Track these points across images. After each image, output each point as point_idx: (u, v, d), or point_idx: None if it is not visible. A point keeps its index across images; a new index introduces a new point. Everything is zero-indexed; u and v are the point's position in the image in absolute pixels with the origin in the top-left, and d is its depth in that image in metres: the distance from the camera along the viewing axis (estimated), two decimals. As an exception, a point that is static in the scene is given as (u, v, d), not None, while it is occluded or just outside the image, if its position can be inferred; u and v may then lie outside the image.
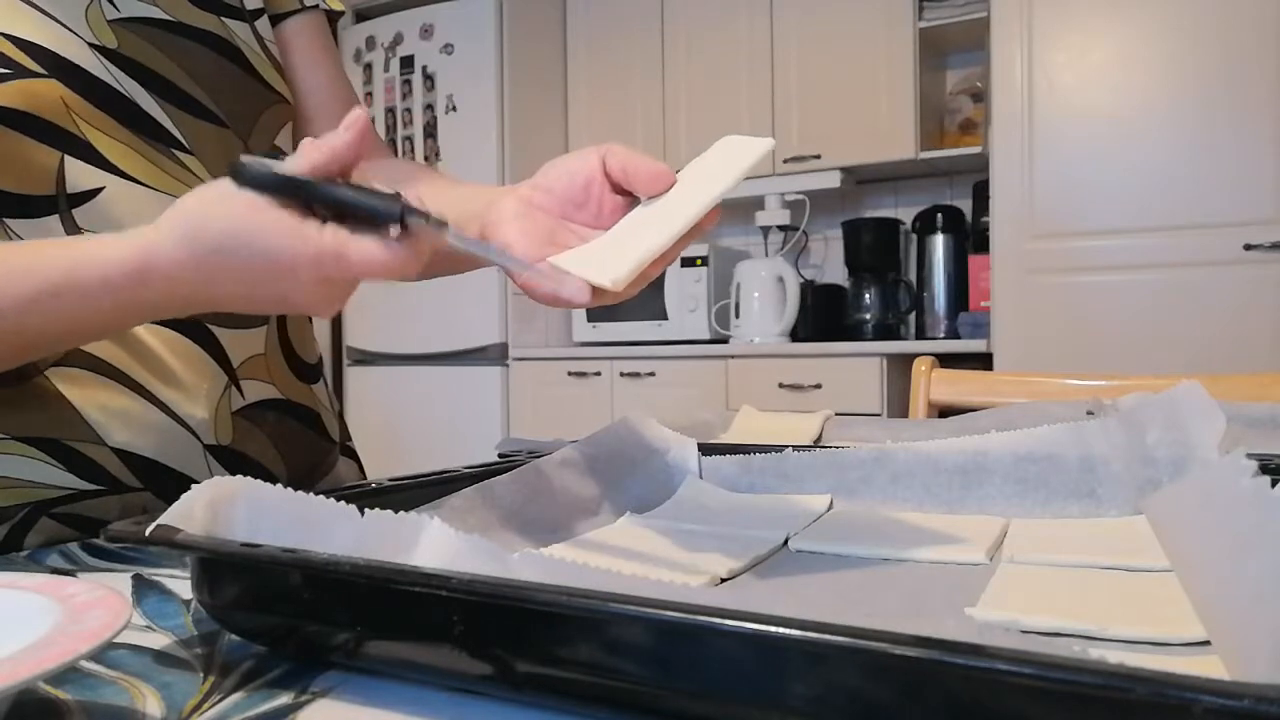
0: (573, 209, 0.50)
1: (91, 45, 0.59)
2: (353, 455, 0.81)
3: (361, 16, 3.14)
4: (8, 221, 0.56)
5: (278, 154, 0.72)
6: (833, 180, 2.68)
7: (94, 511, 0.59)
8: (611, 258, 0.45)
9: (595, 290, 0.44)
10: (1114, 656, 0.20)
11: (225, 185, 0.44)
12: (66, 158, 0.57)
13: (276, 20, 0.75)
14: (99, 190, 0.58)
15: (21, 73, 0.56)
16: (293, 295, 0.45)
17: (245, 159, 0.45)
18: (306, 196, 0.44)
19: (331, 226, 0.43)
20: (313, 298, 0.45)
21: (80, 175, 0.58)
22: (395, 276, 0.44)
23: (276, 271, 0.44)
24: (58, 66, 0.57)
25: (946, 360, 1.27)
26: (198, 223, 0.45)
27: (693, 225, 0.45)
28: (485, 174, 2.83)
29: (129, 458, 0.59)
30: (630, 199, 0.50)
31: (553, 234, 0.49)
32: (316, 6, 0.77)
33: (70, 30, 0.58)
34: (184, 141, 0.62)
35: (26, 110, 0.56)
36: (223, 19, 0.67)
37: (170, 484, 0.61)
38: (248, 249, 0.44)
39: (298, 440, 0.71)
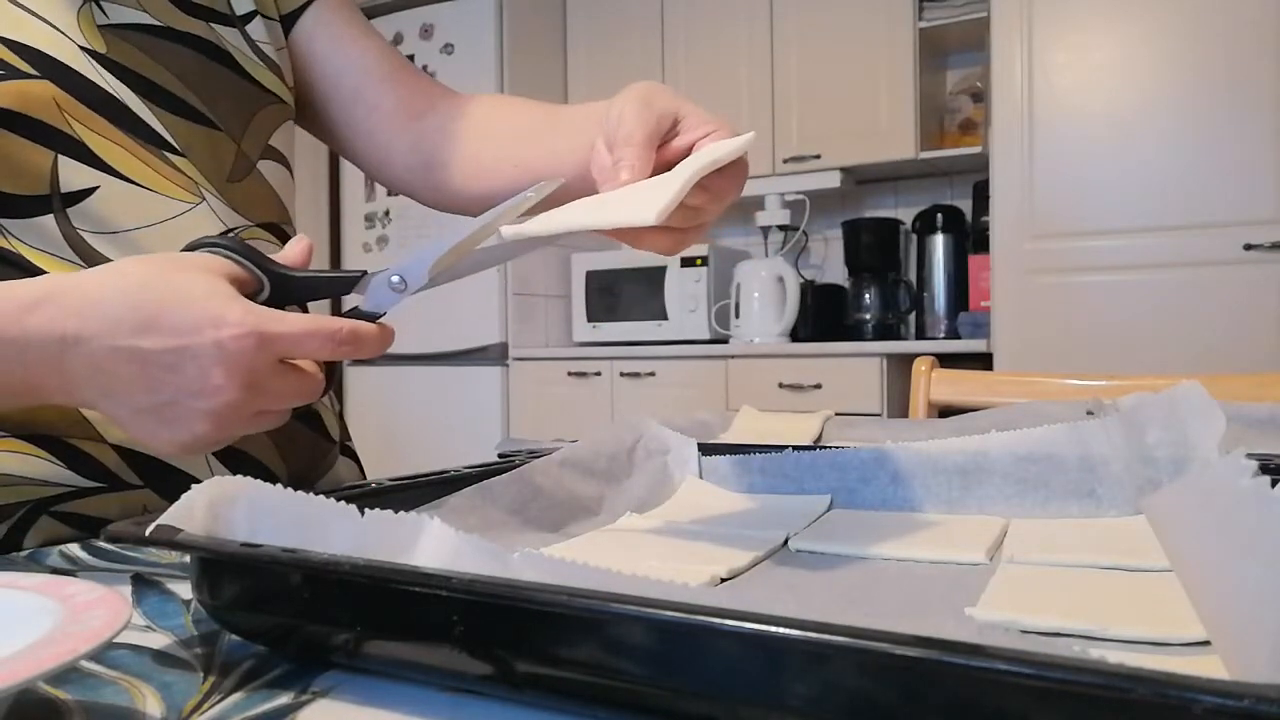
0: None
1: (82, 49, 0.59)
2: (352, 455, 0.81)
3: (361, 16, 3.14)
4: (3, 221, 0.56)
5: (278, 156, 0.72)
6: (833, 180, 2.68)
7: (94, 509, 0.59)
8: (648, 197, 0.45)
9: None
10: (1114, 656, 0.20)
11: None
12: (60, 157, 0.57)
13: (294, 18, 0.74)
14: (93, 189, 0.58)
15: (14, 74, 0.56)
16: (188, 377, 0.41)
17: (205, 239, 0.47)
18: (259, 267, 0.46)
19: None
20: (209, 397, 0.41)
21: (74, 175, 0.58)
22: (324, 355, 0.44)
23: (189, 322, 0.41)
24: (50, 68, 0.57)
25: (946, 360, 1.27)
26: (125, 264, 0.44)
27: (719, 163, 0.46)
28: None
29: (129, 455, 0.59)
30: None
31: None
32: None
33: (62, 33, 0.58)
34: (174, 144, 0.63)
35: (19, 111, 0.56)
36: (211, 24, 0.67)
37: (170, 482, 0.61)
38: (168, 291, 0.41)
39: (298, 439, 0.71)
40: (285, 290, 0.46)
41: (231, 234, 0.65)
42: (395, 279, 0.46)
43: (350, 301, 0.45)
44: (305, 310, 0.50)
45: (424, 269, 0.46)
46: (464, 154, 0.74)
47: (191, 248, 0.47)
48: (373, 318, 0.46)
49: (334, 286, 0.47)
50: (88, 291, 0.42)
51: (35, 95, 0.56)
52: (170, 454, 0.46)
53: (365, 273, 0.47)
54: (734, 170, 0.50)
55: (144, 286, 0.42)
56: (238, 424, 0.44)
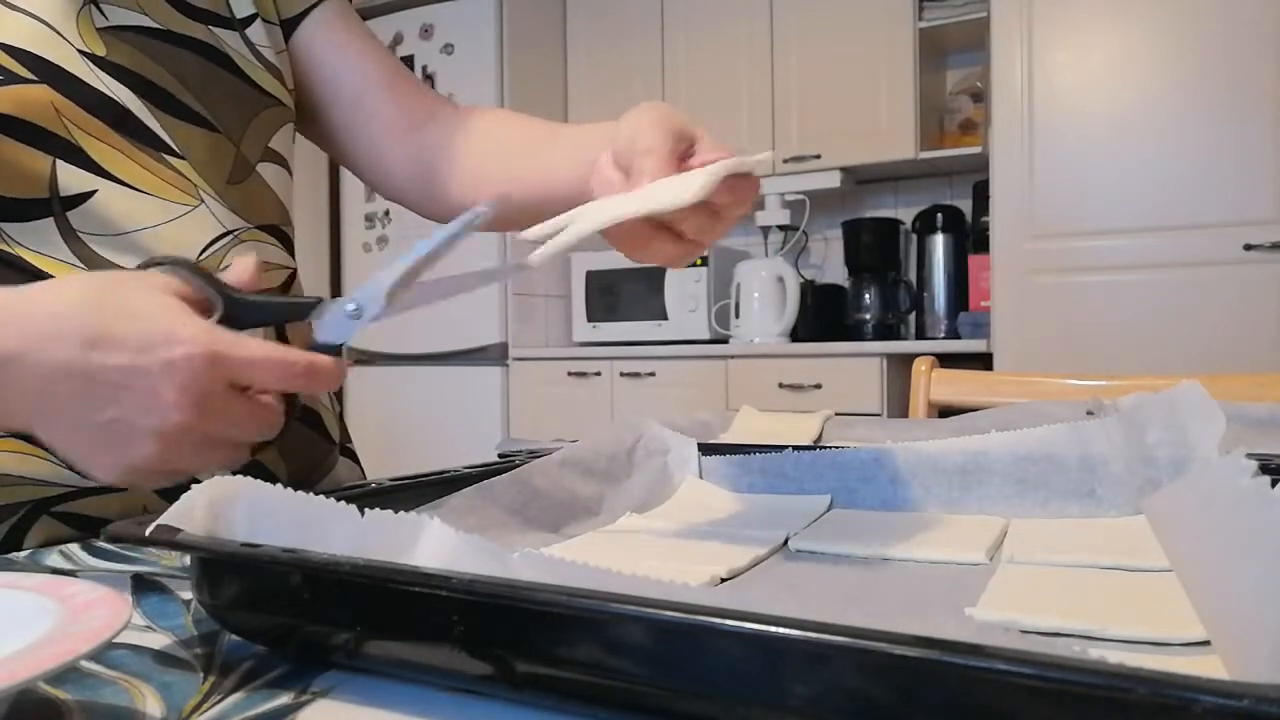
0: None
1: (80, 52, 0.59)
2: (352, 456, 0.81)
3: (362, 17, 3.14)
4: (3, 225, 0.56)
5: (277, 158, 0.72)
6: (833, 180, 2.68)
7: (94, 509, 0.59)
8: (681, 185, 0.45)
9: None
10: (1114, 656, 0.20)
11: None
12: (58, 162, 0.58)
13: (294, 24, 0.74)
14: (91, 193, 0.58)
15: (12, 79, 0.56)
16: (136, 394, 0.40)
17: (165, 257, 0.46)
18: (212, 287, 0.45)
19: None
20: (156, 415, 0.40)
21: (72, 179, 0.58)
22: (277, 385, 0.43)
23: (140, 338, 0.39)
24: (48, 72, 0.57)
25: (946, 360, 1.27)
26: (73, 280, 0.43)
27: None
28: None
29: None
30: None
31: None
32: None
33: (60, 35, 0.58)
34: (174, 146, 0.63)
35: (17, 116, 0.56)
36: (210, 28, 0.67)
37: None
38: (120, 306, 0.40)
39: (298, 440, 0.71)
40: (238, 312, 0.45)
41: (231, 236, 0.65)
42: (351, 307, 0.45)
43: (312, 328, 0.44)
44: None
45: (380, 295, 0.45)
46: (463, 166, 0.73)
47: (144, 266, 0.46)
48: (331, 349, 0.45)
49: (288, 312, 0.46)
50: (31, 307, 0.41)
51: (33, 100, 0.57)
52: (110, 480, 0.42)
53: (320, 300, 0.45)
54: (746, 185, 0.50)
55: (92, 302, 0.41)
56: (185, 449, 0.41)
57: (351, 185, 3.15)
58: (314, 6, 0.75)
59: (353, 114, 0.76)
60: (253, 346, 0.42)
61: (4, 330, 0.40)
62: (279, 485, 0.34)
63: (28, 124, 0.56)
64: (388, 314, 0.45)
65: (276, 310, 0.47)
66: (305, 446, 0.72)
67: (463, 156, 0.74)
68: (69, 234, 0.58)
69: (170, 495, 0.34)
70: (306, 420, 0.72)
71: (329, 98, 0.77)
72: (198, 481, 0.34)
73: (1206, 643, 0.30)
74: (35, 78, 0.57)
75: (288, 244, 0.73)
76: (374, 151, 0.77)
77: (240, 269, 0.47)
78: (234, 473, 0.36)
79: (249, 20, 0.70)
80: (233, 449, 0.44)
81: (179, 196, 0.62)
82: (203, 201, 0.63)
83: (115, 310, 0.41)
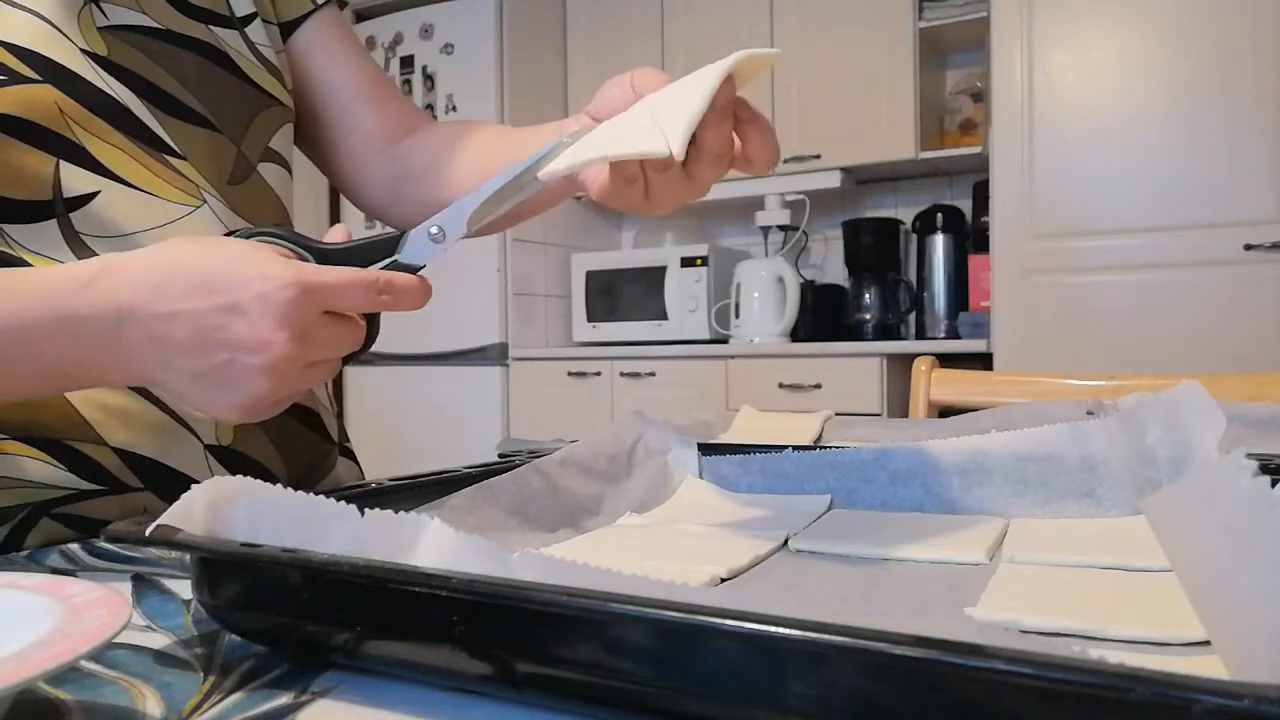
0: None
1: (83, 51, 0.59)
2: (351, 456, 0.81)
3: (361, 16, 3.14)
4: (5, 227, 0.56)
5: (278, 158, 0.72)
6: (833, 180, 2.68)
7: (94, 512, 0.59)
8: (651, 130, 0.45)
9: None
10: (1114, 656, 0.20)
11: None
12: (61, 163, 0.57)
13: (291, 28, 0.75)
14: (94, 194, 0.58)
15: (16, 79, 0.56)
16: (239, 334, 0.42)
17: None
18: (299, 244, 0.47)
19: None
20: (262, 351, 0.42)
21: (75, 180, 0.58)
22: (365, 305, 0.45)
23: (236, 280, 0.42)
24: (52, 72, 0.57)
25: (946, 360, 1.27)
26: (174, 241, 0.46)
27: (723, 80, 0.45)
28: (485, 174, 2.83)
29: (129, 457, 0.59)
30: None
31: None
32: (329, 1, 0.77)
33: (64, 34, 0.58)
34: (175, 147, 0.63)
35: (22, 116, 0.56)
36: (210, 27, 0.67)
37: (171, 484, 0.61)
38: (213, 256, 0.43)
39: (298, 440, 0.71)
40: (328, 262, 0.47)
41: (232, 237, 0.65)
42: (434, 230, 0.47)
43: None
44: None
45: (463, 219, 0.47)
46: (440, 163, 0.74)
47: (232, 235, 0.48)
48: (412, 270, 0.47)
49: (373, 250, 0.48)
50: (139, 264, 0.44)
51: (38, 100, 0.56)
52: (234, 418, 0.45)
53: (405, 232, 0.48)
54: (763, 136, 0.49)
55: (191, 255, 0.44)
56: (293, 377, 0.44)
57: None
58: (311, 13, 0.75)
59: (338, 126, 0.77)
60: (337, 273, 0.44)
61: (118, 290, 0.43)
62: (279, 485, 0.34)
63: (32, 124, 0.56)
64: (468, 236, 0.48)
65: (364, 251, 0.48)
66: (305, 446, 0.72)
67: (439, 155, 0.74)
68: (71, 236, 0.58)
69: (170, 497, 0.34)
70: (306, 420, 0.72)
71: (318, 108, 0.77)
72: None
73: (1206, 643, 0.30)
74: (39, 77, 0.57)
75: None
76: (353, 163, 0.78)
77: (336, 234, 0.50)
78: (233, 474, 0.36)
79: (248, 19, 0.70)
80: (332, 366, 0.47)
81: (181, 197, 0.62)
82: (204, 202, 0.63)
83: (210, 261, 0.43)
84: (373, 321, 0.48)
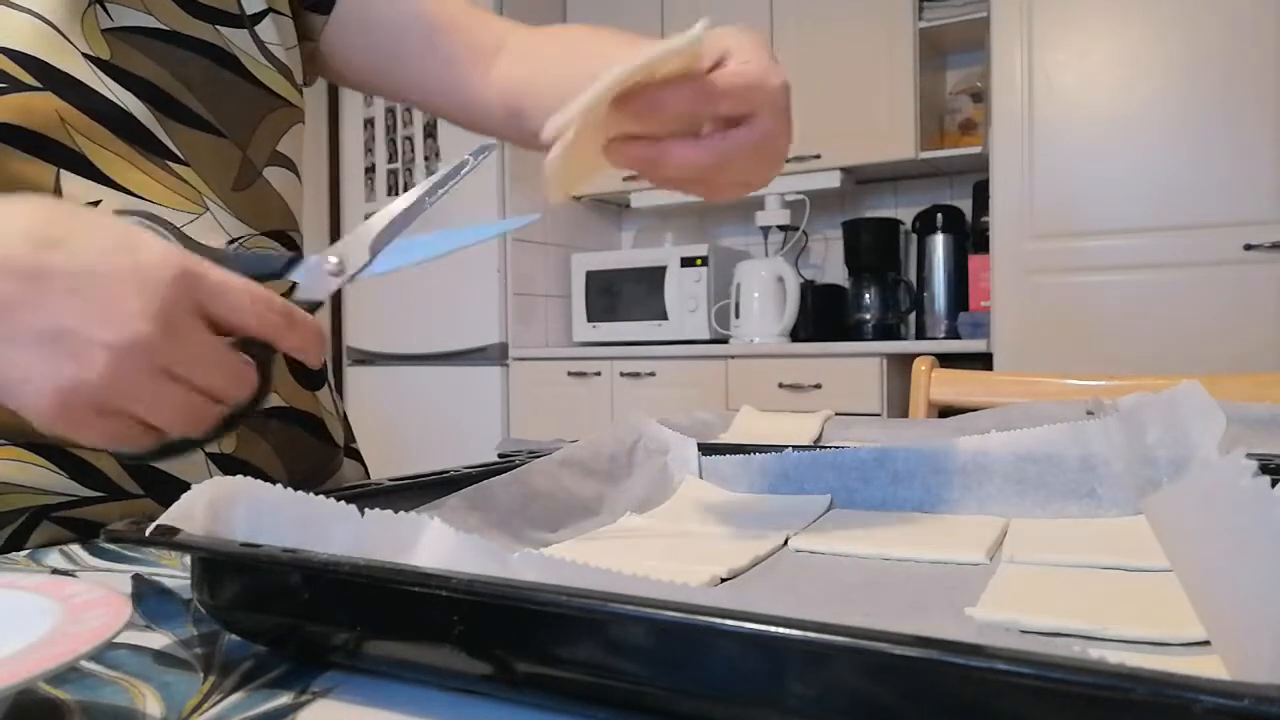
0: None
1: (85, 55, 0.58)
2: (357, 457, 0.80)
3: (361, 16, 3.14)
4: None
5: (286, 162, 0.71)
6: (833, 180, 2.68)
7: (95, 517, 0.59)
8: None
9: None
10: (1114, 656, 0.20)
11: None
12: (62, 172, 0.56)
13: (328, 3, 0.72)
14: (95, 204, 0.57)
15: (16, 87, 0.55)
16: (93, 301, 0.35)
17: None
18: (185, 247, 0.42)
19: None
20: (115, 326, 0.35)
21: (76, 190, 0.57)
22: (252, 319, 0.38)
23: (108, 242, 0.35)
24: (53, 79, 0.56)
25: (946, 360, 1.27)
26: (31, 197, 0.39)
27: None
28: (484, 173, 2.83)
29: (130, 464, 0.59)
30: None
31: None
32: None
33: (66, 38, 0.57)
34: (179, 154, 0.62)
35: (22, 125, 0.55)
36: (218, 28, 0.66)
37: (172, 491, 0.60)
38: (81, 215, 0.37)
39: (301, 447, 0.70)
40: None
41: (236, 243, 0.64)
42: (333, 261, 0.43)
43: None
44: None
45: (363, 247, 0.43)
46: (545, 98, 0.68)
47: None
48: (311, 306, 0.42)
49: (265, 266, 0.43)
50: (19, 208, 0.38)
51: (38, 109, 0.55)
52: (45, 410, 0.36)
53: (299, 256, 0.44)
54: (771, 148, 0.47)
55: (53, 210, 0.38)
56: (139, 379, 0.36)
57: (352, 185, 3.15)
58: None
59: (425, 63, 0.73)
60: (228, 274, 0.38)
61: None
62: (279, 485, 0.34)
63: (31, 134, 0.55)
64: (376, 269, 0.43)
65: (251, 264, 0.42)
66: (309, 453, 0.71)
67: (541, 88, 0.70)
68: None
69: (172, 503, 0.34)
70: (310, 427, 0.72)
71: (397, 51, 0.74)
72: (146, 457, 0.32)
73: (1206, 643, 0.30)
74: (39, 85, 0.56)
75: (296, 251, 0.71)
76: (461, 97, 0.74)
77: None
78: (233, 473, 0.35)
79: (259, 16, 0.68)
80: (192, 398, 0.38)
81: (184, 204, 0.61)
82: (208, 209, 0.62)
83: (77, 221, 0.37)
84: (266, 373, 0.41)
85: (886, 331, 2.70)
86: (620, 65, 0.42)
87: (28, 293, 0.35)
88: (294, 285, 0.43)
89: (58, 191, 0.56)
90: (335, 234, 3.33)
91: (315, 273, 0.43)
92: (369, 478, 0.81)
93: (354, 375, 3.15)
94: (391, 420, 3.02)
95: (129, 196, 0.59)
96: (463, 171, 0.45)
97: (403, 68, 0.75)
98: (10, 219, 0.36)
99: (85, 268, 0.35)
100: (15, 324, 0.35)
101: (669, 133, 0.47)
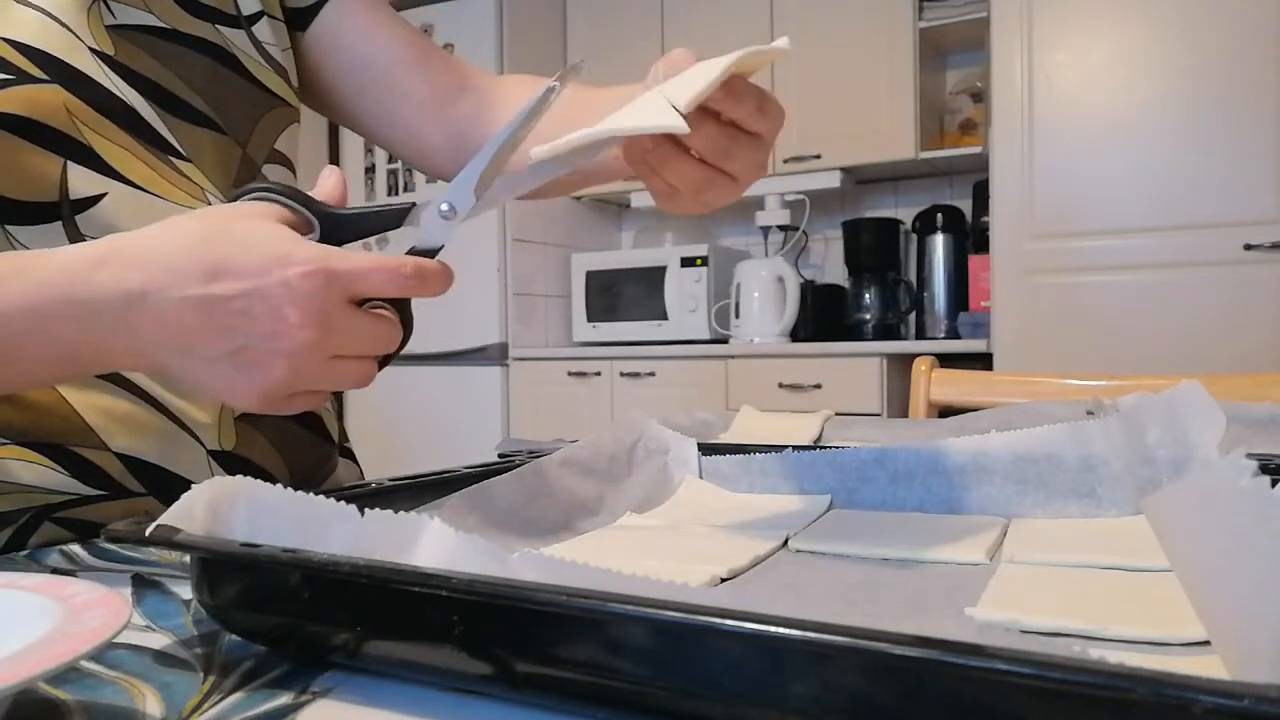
0: None
1: (91, 50, 0.58)
2: (350, 456, 0.81)
3: (361, 16, 3.14)
4: (10, 229, 0.56)
5: (283, 159, 0.72)
6: (833, 180, 2.68)
7: (96, 516, 0.59)
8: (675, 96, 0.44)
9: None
10: (1114, 656, 0.20)
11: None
12: (69, 164, 0.57)
13: (312, 13, 0.73)
14: (101, 196, 0.58)
15: (24, 78, 0.55)
16: (259, 320, 0.40)
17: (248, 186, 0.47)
18: (306, 208, 0.46)
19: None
20: (283, 338, 0.41)
21: (82, 182, 0.57)
22: (391, 290, 0.44)
23: (256, 263, 0.40)
24: (61, 72, 0.57)
25: (946, 360, 1.27)
26: (181, 219, 0.44)
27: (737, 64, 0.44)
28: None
29: (131, 462, 0.59)
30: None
31: None
32: None
33: (73, 33, 0.58)
34: (181, 149, 0.62)
35: (30, 117, 0.55)
36: (217, 27, 0.66)
37: (173, 489, 0.60)
38: (228, 235, 0.41)
39: (300, 443, 0.71)
40: (334, 228, 0.46)
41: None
42: (444, 207, 0.46)
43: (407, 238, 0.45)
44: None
45: (469, 190, 0.46)
46: (493, 127, 0.72)
47: (235, 197, 0.47)
48: (430, 253, 0.46)
49: (383, 221, 0.47)
50: (148, 246, 0.42)
51: (46, 101, 0.56)
52: (250, 406, 0.43)
53: (413, 205, 0.46)
54: (772, 113, 0.49)
55: (206, 236, 0.42)
56: (315, 368, 0.42)
57: (352, 186, 3.15)
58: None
59: (386, 97, 0.75)
60: (362, 259, 0.43)
61: (127, 273, 0.41)
62: (279, 485, 0.34)
63: (39, 125, 0.56)
64: (479, 209, 0.47)
65: (372, 221, 0.47)
66: (307, 449, 0.72)
67: (495, 128, 0.72)
68: (77, 239, 0.57)
69: (173, 501, 0.34)
70: (307, 423, 0.72)
71: (361, 82, 0.75)
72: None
73: (1206, 643, 0.30)
74: (47, 77, 0.56)
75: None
76: (410, 132, 0.77)
77: (329, 185, 0.48)
78: (232, 473, 0.36)
79: (255, 18, 0.69)
80: (359, 365, 0.45)
81: (185, 199, 0.62)
82: (209, 204, 0.63)
83: (228, 243, 0.42)
84: (407, 318, 0.47)
85: (886, 331, 2.70)
86: (725, 57, 0.45)
87: (208, 323, 0.41)
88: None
89: (64, 183, 0.57)
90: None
91: (432, 219, 0.46)
92: (363, 477, 0.81)
93: (354, 375, 3.15)
94: (391, 420, 3.02)
95: (134, 189, 0.59)
96: (551, 98, 0.46)
97: (363, 97, 0.76)
98: (179, 258, 0.41)
99: (246, 291, 0.41)
100: (208, 351, 0.42)
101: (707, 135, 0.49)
